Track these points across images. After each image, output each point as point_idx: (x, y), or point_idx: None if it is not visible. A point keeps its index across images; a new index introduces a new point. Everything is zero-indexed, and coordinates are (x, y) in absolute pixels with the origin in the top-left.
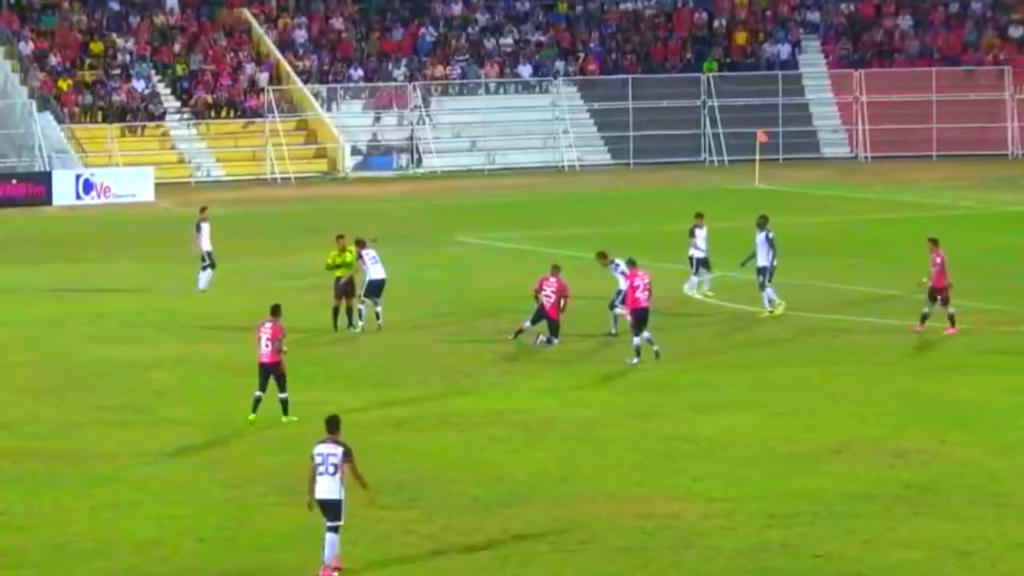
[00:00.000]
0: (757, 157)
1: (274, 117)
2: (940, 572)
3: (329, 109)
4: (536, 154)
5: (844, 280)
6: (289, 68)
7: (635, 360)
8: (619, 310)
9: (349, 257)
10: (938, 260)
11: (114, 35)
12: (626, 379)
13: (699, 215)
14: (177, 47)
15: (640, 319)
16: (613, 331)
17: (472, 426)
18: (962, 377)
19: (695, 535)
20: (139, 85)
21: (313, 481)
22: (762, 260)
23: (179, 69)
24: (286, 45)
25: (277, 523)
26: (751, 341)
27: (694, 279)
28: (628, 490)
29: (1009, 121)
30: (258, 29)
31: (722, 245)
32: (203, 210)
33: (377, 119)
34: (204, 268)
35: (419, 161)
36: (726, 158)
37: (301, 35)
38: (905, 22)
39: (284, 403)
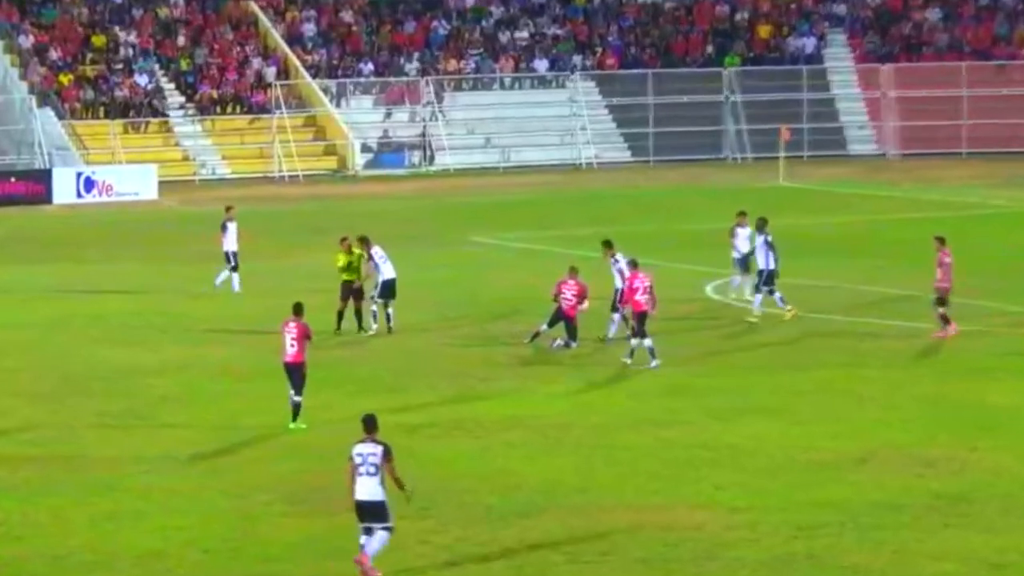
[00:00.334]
0: (781, 154)
1: (281, 113)
2: None
3: (338, 105)
4: (552, 151)
5: (869, 281)
6: (297, 62)
7: (628, 360)
8: (619, 314)
9: (356, 259)
10: (947, 260)
11: (116, 28)
12: (644, 384)
13: (741, 213)
14: (181, 41)
15: (642, 321)
16: (610, 335)
17: (486, 433)
18: (989, 382)
19: (718, 546)
20: (142, 80)
21: (352, 483)
22: (762, 263)
23: (183, 63)
24: (294, 39)
25: (283, 534)
26: (772, 344)
27: (737, 280)
28: (648, 499)
29: None
30: (265, 22)
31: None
32: (229, 209)
33: (388, 115)
34: (233, 269)
35: (431, 158)
36: (749, 155)
37: (310, 28)
38: (934, 15)
39: (296, 408)
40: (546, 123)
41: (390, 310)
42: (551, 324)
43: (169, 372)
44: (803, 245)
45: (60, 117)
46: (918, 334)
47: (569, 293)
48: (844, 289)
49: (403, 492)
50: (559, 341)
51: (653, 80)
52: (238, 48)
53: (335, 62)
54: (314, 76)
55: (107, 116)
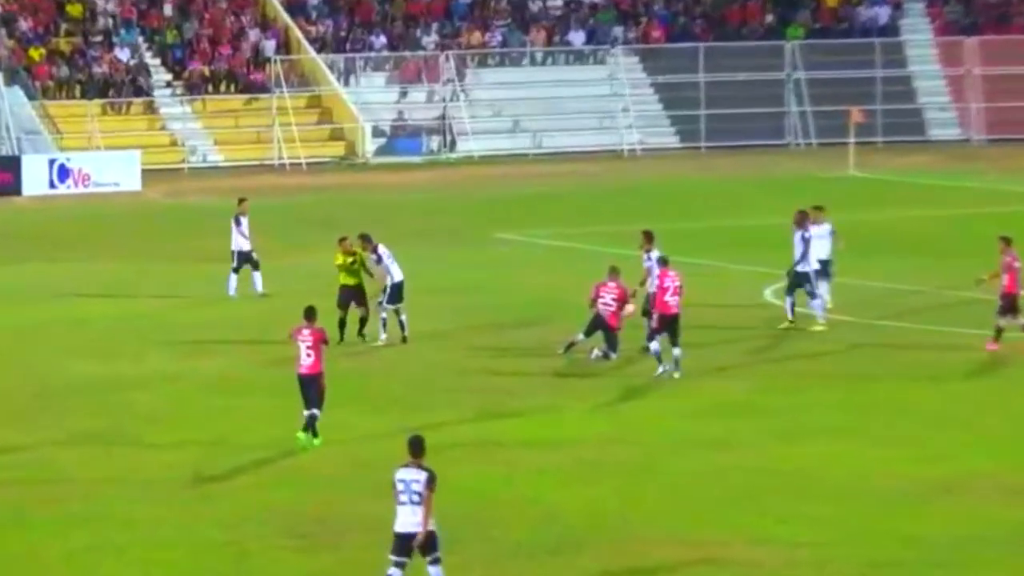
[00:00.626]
0: (851, 140)
1: (282, 92)
2: None
3: (347, 83)
4: (590, 136)
5: (953, 284)
6: (300, 35)
7: (663, 369)
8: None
9: (357, 261)
10: (1015, 264)
11: None
12: (696, 401)
13: (817, 208)
14: (168, 10)
15: (670, 326)
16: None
17: (515, 457)
18: None
19: None
20: (123, 55)
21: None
22: (801, 264)
23: (170, 36)
24: (296, 8)
25: (281, 569)
26: (840, 356)
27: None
28: (699, 533)
29: None
30: None
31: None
32: (241, 201)
33: (403, 95)
34: (254, 269)
35: (452, 144)
36: (814, 141)
37: None
38: None
39: (312, 421)
40: (583, 104)
41: (403, 316)
42: (588, 333)
43: (155, 386)
44: (876, 243)
45: (30, 97)
46: (1007, 343)
47: (609, 297)
48: (923, 293)
49: (424, 527)
50: (597, 352)
51: (705, 55)
52: (232, 19)
53: (343, 34)
54: (319, 50)
55: (84, 96)
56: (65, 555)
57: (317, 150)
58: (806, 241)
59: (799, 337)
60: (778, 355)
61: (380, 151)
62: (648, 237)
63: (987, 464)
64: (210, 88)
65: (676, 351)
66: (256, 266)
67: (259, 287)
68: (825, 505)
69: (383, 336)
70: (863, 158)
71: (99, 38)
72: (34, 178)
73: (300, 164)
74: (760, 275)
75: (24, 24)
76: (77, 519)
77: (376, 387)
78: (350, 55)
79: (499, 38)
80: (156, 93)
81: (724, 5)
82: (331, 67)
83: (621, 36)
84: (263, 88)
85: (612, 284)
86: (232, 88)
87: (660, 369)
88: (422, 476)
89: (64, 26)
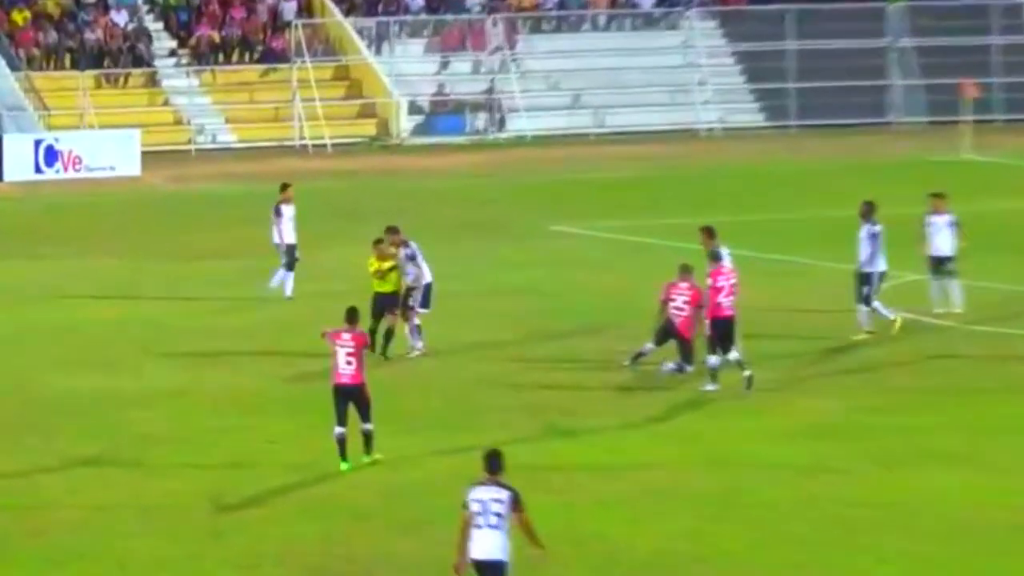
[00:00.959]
0: (966, 117)
1: (304, 62)
2: None
3: (379, 52)
4: (661, 113)
5: None
6: None
7: (712, 387)
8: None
9: (396, 267)
10: None
11: None
12: (782, 421)
13: (936, 195)
14: None
15: (724, 333)
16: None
17: (574, 485)
18: None
19: None
20: (120, 19)
21: (466, 537)
22: (864, 261)
23: None
24: None
25: None
26: (952, 369)
27: (937, 288)
28: (788, 574)
29: None
30: None
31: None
32: (285, 188)
33: (444, 65)
34: (288, 267)
35: (501, 123)
36: (922, 119)
37: None
38: None
39: (368, 437)
40: (652, 76)
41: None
42: (659, 342)
43: (156, 402)
44: (996, 237)
45: (13, 68)
46: None
47: (681, 300)
48: None
49: (536, 550)
50: (670, 364)
51: (794, 19)
52: None
53: None
54: (346, 14)
55: (74, 66)
56: None
57: (344, 129)
58: (874, 237)
59: (901, 347)
60: (877, 367)
61: (417, 130)
62: (709, 233)
63: None
64: (221, 57)
65: (734, 354)
66: (292, 265)
67: (286, 288)
68: (933, 543)
69: (419, 345)
70: (979, 138)
71: (92, 0)
72: (17, 161)
73: (324, 145)
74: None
75: None
76: (66, 554)
77: (411, 404)
78: (383, 19)
79: (555, 0)
80: (158, 63)
81: None
82: (361, 33)
83: None
84: (282, 57)
85: (684, 285)
86: (246, 57)
87: (712, 386)
88: (504, 495)
89: None
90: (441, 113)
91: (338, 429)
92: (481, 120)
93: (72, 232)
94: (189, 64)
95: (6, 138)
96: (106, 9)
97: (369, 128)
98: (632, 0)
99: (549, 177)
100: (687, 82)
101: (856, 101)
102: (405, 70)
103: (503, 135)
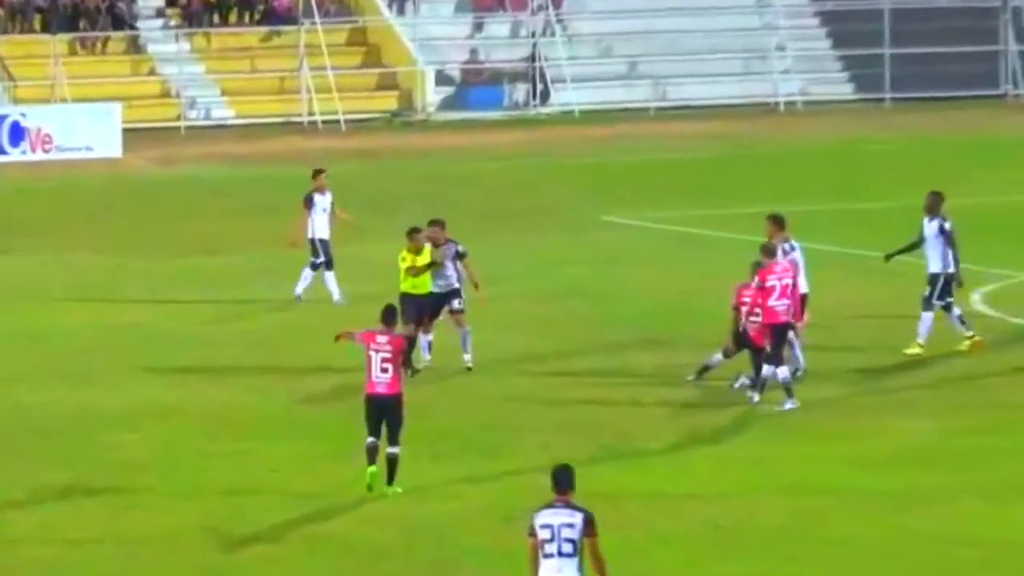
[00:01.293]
0: None
1: (314, 24)
2: None
3: (401, 11)
4: (732, 85)
5: None
6: None
7: (791, 404)
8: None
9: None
10: None
11: None
12: (869, 445)
13: None
14: None
15: (780, 340)
16: (798, 363)
17: (629, 518)
18: None
19: None
20: None
21: (535, 569)
22: (935, 264)
23: None
24: None
25: None
26: None
27: None
28: None
29: None
30: None
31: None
32: (318, 174)
33: (478, 28)
34: (326, 266)
35: (545, 95)
36: None
37: None
38: None
39: (393, 464)
40: (723, 41)
41: (430, 337)
42: (728, 353)
43: (142, 422)
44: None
45: None
46: None
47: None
48: None
49: None
50: (744, 379)
51: None
52: None
53: None
54: None
55: (45, 29)
56: None
57: (360, 103)
58: (945, 233)
59: (1009, 357)
60: (978, 384)
61: (446, 104)
62: (777, 223)
63: None
64: (216, 18)
65: (783, 371)
66: (315, 267)
67: (299, 288)
68: None
69: (466, 358)
70: None
71: None
72: None
73: (337, 122)
74: (970, 274)
75: None
76: None
77: (437, 424)
78: None
79: None
80: (142, 25)
81: None
82: None
83: None
84: (288, 18)
85: None
86: (246, 19)
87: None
88: (576, 518)
89: None
90: (474, 84)
91: (370, 439)
92: (521, 92)
93: (42, 223)
94: (179, 26)
95: None
96: None
97: (390, 102)
98: None
99: (600, 159)
100: (764, 47)
101: (963, 70)
102: (432, 33)
103: (546, 110)
